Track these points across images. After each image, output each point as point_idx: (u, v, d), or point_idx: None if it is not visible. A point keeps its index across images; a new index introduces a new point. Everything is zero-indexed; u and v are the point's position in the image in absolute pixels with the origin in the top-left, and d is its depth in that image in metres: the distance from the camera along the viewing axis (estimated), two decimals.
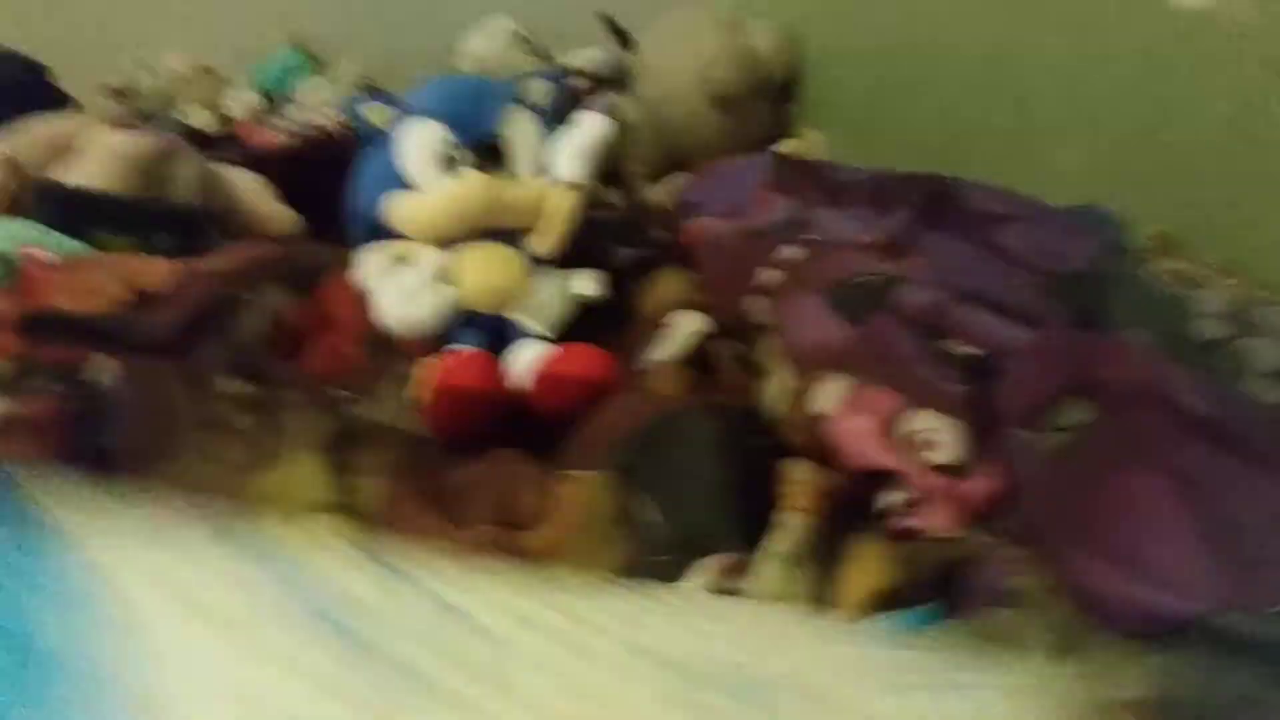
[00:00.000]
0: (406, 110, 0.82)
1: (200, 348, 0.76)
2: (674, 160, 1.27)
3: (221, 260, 0.85)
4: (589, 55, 1.45)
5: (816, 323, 0.66)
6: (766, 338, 0.70)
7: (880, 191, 0.77)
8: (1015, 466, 0.58)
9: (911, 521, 0.60)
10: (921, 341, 0.62)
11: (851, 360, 0.63)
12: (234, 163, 1.21)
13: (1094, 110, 0.90)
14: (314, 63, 1.63)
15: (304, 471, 0.67)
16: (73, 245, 0.97)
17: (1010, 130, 0.96)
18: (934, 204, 0.75)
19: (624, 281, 0.81)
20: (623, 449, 0.66)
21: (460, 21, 1.53)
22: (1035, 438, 0.59)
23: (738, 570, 0.61)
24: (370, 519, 0.63)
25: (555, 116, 0.84)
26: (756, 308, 0.71)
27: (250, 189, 1.20)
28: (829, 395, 0.64)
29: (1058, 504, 0.57)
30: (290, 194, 1.19)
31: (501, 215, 0.79)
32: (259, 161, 1.26)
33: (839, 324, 0.65)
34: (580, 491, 0.64)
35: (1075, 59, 0.91)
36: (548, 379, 0.73)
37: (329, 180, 1.25)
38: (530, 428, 0.72)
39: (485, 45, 1.48)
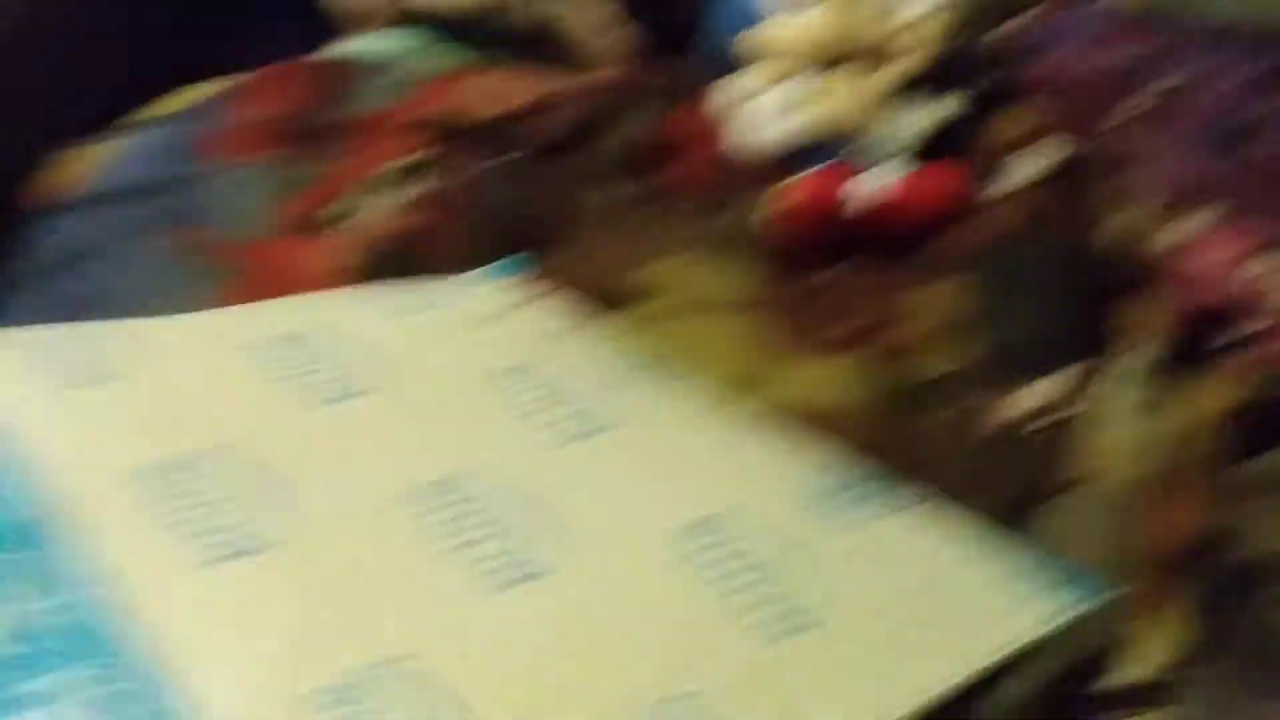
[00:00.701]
0: None
1: (581, 154, 0.85)
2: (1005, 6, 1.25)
3: (596, 77, 0.93)
4: None
5: (1185, 156, 0.67)
6: (1122, 171, 0.72)
7: (1254, 34, 0.76)
8: None
9: (1264, 352, 0.62)
10: None
11: (1222, 193, 0.65)
12: None
13: None
14: None
15: (678, 268, 0.74)
16: (446, 57, 1.06)
17: None
18: None
19: (973, 113, 0.84)
20: (972, 263, 0.70)
21: None
22: None
23: (1078, 388, 0.65)
24: (744, 311, 0.70)
25: None
26: (1114, 142, 0.73)
27: (588, 12, 1.27)
28: (1189, 228, 0.66)
29: None
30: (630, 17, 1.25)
31: (859, 42, 0.83)
32: None
33: (1210, 157, 0.66)
34: (932, 297, 0.69)
35: None
36: (900, 199, 0.78)
37: (668, 6, 1.31)
38: (883, 245, 0.77)
39: None
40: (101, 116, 0.92)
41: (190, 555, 0.40)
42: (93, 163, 0.87)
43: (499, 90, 0.93)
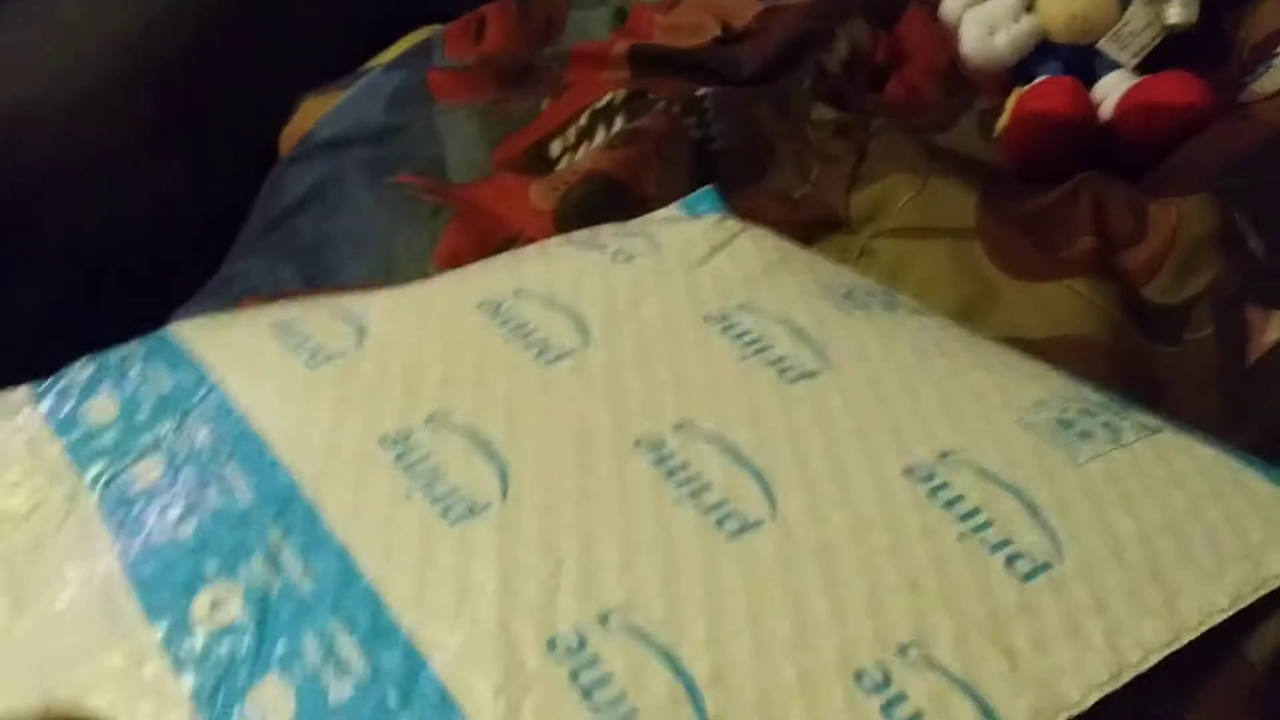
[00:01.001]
0: None
1: (789, 78, 0.83)
2: None
3: None
4: None
5: None
6: None
7: None
8: None
9: None
10: None
11: None
12: None
13: None
14: None
15: (893, 192, 0.71)
16: None
17: None
18: None
19: (1221, 10, 0.77)
20: (1225, 173, 0.64)
21: None
22: None
23: None
24: (961, 236, 0.67)
25: None
26: None
27: None
28: None
29: None
30: None
31: None
32: None
33: None
34: (1178, 214, 0.63)
35: None
36: (1137, 108, 0.72)
37: None
38: (1116, 160, 0.72)
39: None
40: (339, 65, 0.97)
41: (424, 519, 0.41)
42: (325, 111, 0.91)
43: (711, 15, 0.91)
